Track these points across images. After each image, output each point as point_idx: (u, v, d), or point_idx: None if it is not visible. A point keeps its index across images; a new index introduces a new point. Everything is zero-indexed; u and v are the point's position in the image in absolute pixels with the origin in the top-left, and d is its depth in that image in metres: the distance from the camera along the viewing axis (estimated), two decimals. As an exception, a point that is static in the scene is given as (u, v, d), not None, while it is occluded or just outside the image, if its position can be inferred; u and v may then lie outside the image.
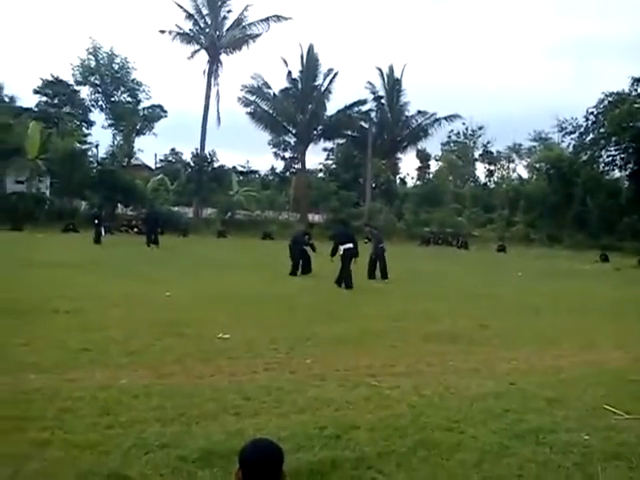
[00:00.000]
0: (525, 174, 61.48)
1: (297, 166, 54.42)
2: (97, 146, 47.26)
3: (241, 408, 5.45)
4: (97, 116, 49.33)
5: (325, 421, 5.14)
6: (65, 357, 7.06)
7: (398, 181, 59.93)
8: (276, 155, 58.35)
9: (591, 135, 42.42)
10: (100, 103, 48.38)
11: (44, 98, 48.50)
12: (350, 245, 15.75)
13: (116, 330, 8.65)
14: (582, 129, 43.49)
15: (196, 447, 4.46)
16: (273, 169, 60.80)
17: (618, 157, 42.16)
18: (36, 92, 48.44)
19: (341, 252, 15.71)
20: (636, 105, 39.50)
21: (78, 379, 6.18)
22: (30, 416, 4.98)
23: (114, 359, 7.11)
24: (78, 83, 48.01)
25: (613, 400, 6.08)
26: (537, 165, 53.66)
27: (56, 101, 48.22)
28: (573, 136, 45.11)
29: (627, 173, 42.89)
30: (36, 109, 46.69)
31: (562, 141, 49.99)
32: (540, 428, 5.13)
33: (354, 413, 5.42)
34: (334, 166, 56.12)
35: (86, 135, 47.62)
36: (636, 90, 40.22)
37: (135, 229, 35.60)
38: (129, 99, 49.24)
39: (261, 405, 5.56)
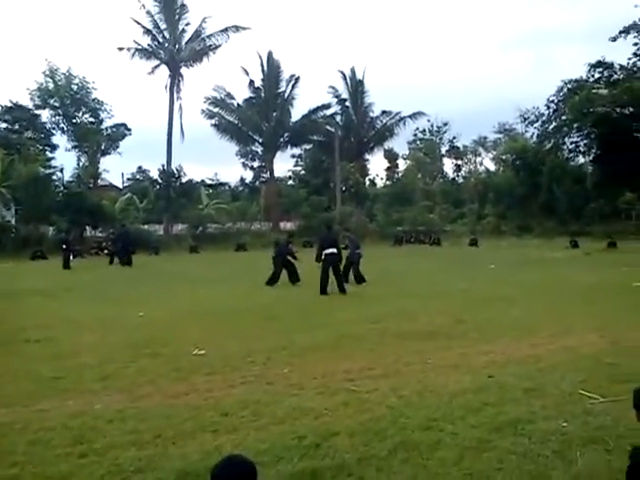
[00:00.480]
0: (492, 166, 62.40)
1: (266, 175, 54.32)
2: (62, 170, 46.66)
3: (218, 425, 5.35)
4: (59, 139, 48.62)
5: (304, 430, 5.08)
6: (36, 387, 6.88)
7: (368, 183, 60.28)
8: (244, 165, 58.26)
9: (553, 123, 43.11)
10: (62, 125, 47.66)
11: (4, 125, 47.66)
12: (333, 250, 15.61)
13: (89, 355, 8.48)
14: (544, 118, 44.18)
15: (173, 469, 4.37)
16: (242, 180, 60.71)
17: (581, 143, 42.88)
18: (-4, 119, 47.61)
19: (323, 257, 15.57)
20: (594, 91, 40.26)
21: (50, 409, 6.02)
22: (-1, 451, 4.83)
23: (87, 385, 6.96)
24: (37, 107, 47.27)
25: (590, 385, 6.13)
26: (503, 157, 54.44)
27: (17, 127, 47.40)
28: (536, 125, 45.85)
29: (591, 158, 43.61)
30: (-3, 136, 45.84)
31: (526, 131, 50.95)
32: (518, 419, 5.15)
33: (333, 420, 5.37)
34: (303, 172, 56.22)
35: (50, 159, 46.88)
36: (593, 76, 41.00)
37: (105, 251, 35.11)
38: (91, 119, 48.60)
39: (239, 420, 5.48)
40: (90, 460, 4.65)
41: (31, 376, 7.39)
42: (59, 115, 47.27)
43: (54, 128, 48.26)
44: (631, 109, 38.06)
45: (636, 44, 39.48)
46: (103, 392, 6.64)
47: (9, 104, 47.19)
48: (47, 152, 47.47)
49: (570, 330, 9.51)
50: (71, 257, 26.40)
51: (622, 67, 40.46)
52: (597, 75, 40.96)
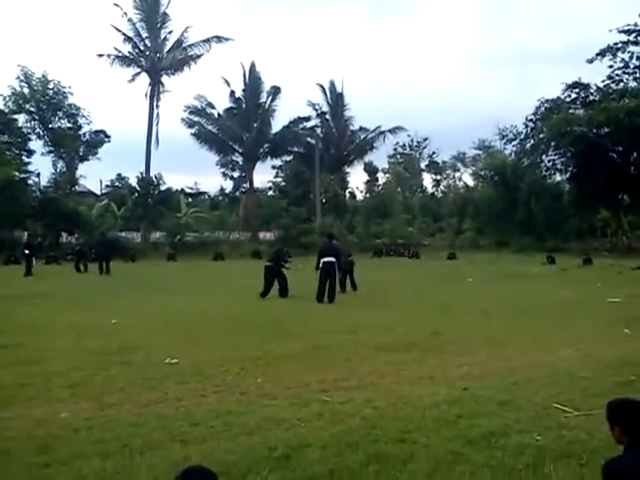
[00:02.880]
0: (471, 182, 62.91)
1: (246, 185, 54.18)
2: (38, 174, 45.96)
3: (188, 435, 5.23)
4: (36, 144, 47.93)
5: (275, 441, 4.98)
6: (0, 395, 6.67)
7: (347, 195, 60.41)
8: (224, 175, 57.95)
9: (531, 141, 43.74)
10: (37, 130, 47.01)
11: (-21, 128, 46.87)
12: (331, 259, 15.65)
13: (58, 362, 8.28)
14: (522, 136, 44.86)
15: (139, 480, 4.24)
16: (222, 189, 60.42)
17: (558, 161, 43.57)
18: (-29, 123, 46.80)
19: (320, 265, 15.66)
20: (571, 111, 40.97)
21: (14, 417, 5.84)
22: (-43, 461, 4.65)
23: (54, 393, 6.77)
24: (13, 112, 46.58)
25: (564, 398, 6.12)
26: (482, 172, 54.96)
27: (-8, 131, 46.64)
28: (514, 143, 46.52)
29: (567, 176, 44.32)
30: (-29, 140, 45.06)
31: (505, 148, 51.49)
32: (492, 432, 5.11)
33: (305, 431, 5.28)
34: (283, 183, 56.10)
35: (26, 164, 46.13)
36: (570, 96, 41.76)
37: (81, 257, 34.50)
38: (69, 125, 48.02)
39: (209, 430, 5.36)
40: (53, 470, 4.52)
41: (-5, 383, 7.18)
42: (35, 120, 46.62)
43: (30, 133, 47.58)
44: (607, 129, 38.80)
45: (611, 66, 40.46)
46: (70, 400, 6.47)
47: (-16, 108, 46.48)
48: (23, 157, 46.74)
49: (545, 344, 9.53)
50: (33, 262, 25.14)
51: (598, 88, 41.31)
52: (573, 95, 41.77)
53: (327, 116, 53.99)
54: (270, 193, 56.32)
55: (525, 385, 6.80)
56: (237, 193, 58.03)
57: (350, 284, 17.72)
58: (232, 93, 50.36)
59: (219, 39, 47.27)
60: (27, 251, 25.28)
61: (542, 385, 6.74)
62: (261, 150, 51.54)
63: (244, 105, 50.28)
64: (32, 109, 46.35)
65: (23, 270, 24.76)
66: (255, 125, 49.66)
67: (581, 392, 6.41)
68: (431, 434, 5.11)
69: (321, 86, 53.50)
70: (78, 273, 26.39)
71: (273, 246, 19.25)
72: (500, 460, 4.51)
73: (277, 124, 51.28)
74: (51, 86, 46.34)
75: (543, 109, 42.40)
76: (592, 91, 41.61)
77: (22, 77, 45.99)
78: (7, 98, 46.39)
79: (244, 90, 50.39)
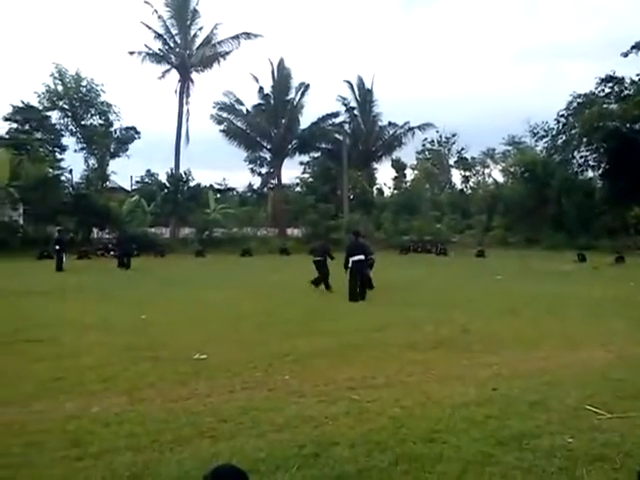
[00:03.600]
0: (501, 178, 62.13)
1: (274, 181, 54.33)
2: (70, 171, 46.74)
3: (217, 431, 5.27)
4: (69, 140, 48.75)
5: (304, 439, 4.99)
6: (35, 388, 6.82)
7: (375, 191, 60.15)
8: (253, 171, 58.20)
9: (563, 137, 43.00)
10: (70, 127, 47.81)
11: (15, 125, 47.83)
12: (360, 257, 15.58)
13: (90, 357, 8.42)
14: (554, 132, 44.10)
15: (168, 475, 4.30)
16: (250, 185, 60.63)
17: (591, 157, 42.75)
18: (6, 119, 47.76)
19: (350, 264, 15.57)
20: (605, 106, 40.15)
21: (48, 410, 5.95)
22: (-7, 453, 4.76)
23: (86, 387, 6.89)
24: (47, 109, 47.46)
25: (597, 400, 6.01)
26: (512, 169, 54.24)
27: (27, 127, 47.55)
28: (546, 139, 45.78)
29: (600, 173, 43.47)
30: (7, 136, 45.99)
31: (536, 145, 50.72)
32: (523, 433, 5.04)
33: (334, 429, 5.27)
34: (311, 179, 56.11)
35: (59, 160, 46.96)
36: (603, 90, 40.91)
37: (112, 252, 35.06)
38: (100, 122, 48.75)
39: (238, 426, 5.39)
40: (85, 464, 4.58)
41: (30, 376, 7.34)
42: (68, 117, 47.44)
43: (63, 129, 48.42)
44: (641, 124, 37.97)
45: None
46: (102, 394, 6.57)
47: (20, 105, 47.44)
48: (56, 153, 47.61)
49: (576, 344, 9.38)
50: (64, 259, 25.45)
51: (633, 82, 40.36)
52: (607, 90, 40.90)
53: (355, 112, 53.76)
54: (298, 189, 56.40)
55: (556, 385, 6.69)
56: (265, 189, 58.24)
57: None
58: (261, 89, 50.50)
59: (248, 35, 47.42)
60: (57, 247, 25.62)
61: (573, 386, 6.63)
62: (289, 146, 51.59)
63: (272, 101, 50.36)
64: (65, 106, 47.20)
65: (54, 265, 25.21)
66: (283, 121, 49.74)
67: (614, 394, 6.29)
68: (460, 434, 5.06)
69: (349, 83, 53.30)
70: (120, 268, 26.60)
71: (317, 242, 19.37)
72: (531, 462, 4.45)
73: (305, 120, 51.32)
74: (84, 83, 47.11)
75: (576, 104, 41.63)
76: (626, 85, 40.67)
77: (56, 74, 46.84)
78: (41, 95, 47.31)
79: (273, 86, 50.46)
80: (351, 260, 15.56)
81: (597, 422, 5.36)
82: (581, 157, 42.99)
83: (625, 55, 39.81)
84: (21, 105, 47.20)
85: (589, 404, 5.87)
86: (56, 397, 6.46)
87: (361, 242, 16.65)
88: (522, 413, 5.66)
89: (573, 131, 41.64)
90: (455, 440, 4.92)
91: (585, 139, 40.89)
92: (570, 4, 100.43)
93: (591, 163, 43.18)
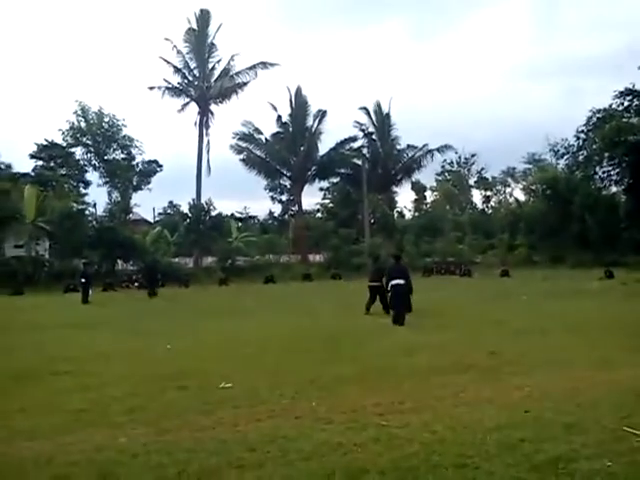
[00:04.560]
0: (522, 197, 61.70)
1: (294, 208, 54.62)
2: (94, 205, 47.65)
3: (244, 460, 5.18)
4: (92, 175, 49.77)
5: (333, 467, 4.88)
6: (62, 420, 6.82)
7: (396, 214, 60.11)
8: (273, 199, 58.76)
9: (584, 153, 42.62)
10: (94, 162, 48.81)
11: (40, 162, 48.99)
12: (400, 281, 15.30)
13: (116, 388, 8.42)
14: (574, 148, 43.76)
15: (196, 506, 4.21)
16: (271, 213, 61.14)
17: (613, 172, 42.26)
18: (32, 157, 49.00)
19: (388, 288, 15.45)
20: (625, 120, 39.81)
21: (75, 442, 5.93)
22: (21, 487, 4.74)
23: (113, 418, 6.87)
24: (71, 145, 48.54)
25: (634, 421, 5.80)
26: (533, 187, 53.83)
27: (52, 164, 48.69)
28: (566, 156, 45.42)
29: (623, 187, 42.90)
30: (33, 173, 47.11)
31: (557, 163, 50.35)
32: (559, 457, 4.86)
33: (363, 456, 5.16)
34: (331, 205, 56.33)
35: (83, 195, 47.96)
36: (622, 104, 40.60)
37: (136, 283, 35.39)
38: (122, 156, 49.69)
39: (265, 455, 5.30)
40: (113, 496, 4.53)
41: (57, 408, 7.35)
42: (91, 152, 48.47)
43: (87, 165, 49.45)
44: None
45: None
46: (129, 425, 6.54)
47: (45, 142, 48.61)
48: (80, 188, 48.59)
49: (608, 364, 9.13)
50: (90, 292, 25.72)
51: (652, 95, 40.01)
52: (626, 103, 40.57)
53: (374, 136, 54.04)
54: (318, 215, 56.65)
55: (590, 407, 6.49)
56: (286, 216, 58.65)
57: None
58: (279, 118, 51.15)
59: (265, 65, 48.22)
60: (83, 279, 25.99)
61: (609, 407, 6.42)
62: (308, 173, 51.98)
63: (291, 129, 50.92)
64: (88, 142, 48.30)
65: (80, 298, 25.40)
66: (302, 148, 50.19)
67: (651, 414, 6.08)
68: (493, 459, 4.91)
69: (365, 109, 53.69)
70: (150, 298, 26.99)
71: (373, 265, 19.15)
72: (569, 487, 4.30)
73: (324, 146, 51.78)
74: (106, 119, 48.19)
75: (595, 119, 41.34)
76: (646, 98, 40.34)
77: (79, 111, 48.00)
78: (65, 132, 48.47)
79: (290, 114, 51.08)
80: (391, 284, 15.39)
81: (637, 444, 5.17)
82: (603, 172, 42.55)
83: (644, 68, 39.55)
84: (45, 143, 48.39)
85: (627, 425, 5.67)
86: (83, 429, 6.44)
87: (402, 266, 16.54)
88: (557, 436, 5.48)
89: (594, 146, 41.27)
90: (488, 465, 4.78)
91: (607, 154, 40.47)
92: (586, 20, 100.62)
93: (614, 178, 42.67)
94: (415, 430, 5.87)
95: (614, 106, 40.75)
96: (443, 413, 6.51)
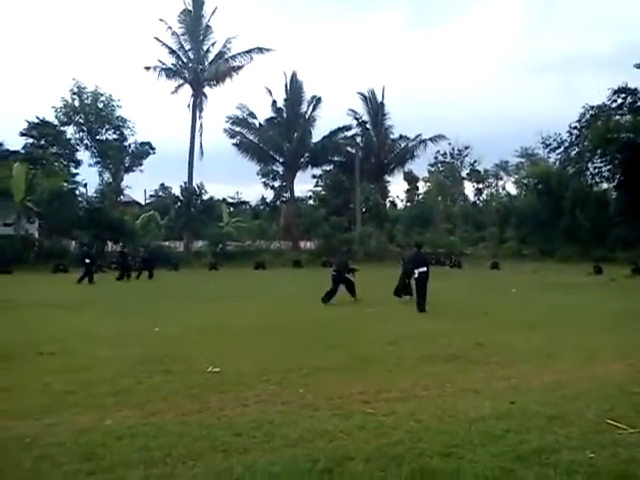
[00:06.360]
0: (514, 190, 61.88)
1: (286, 195, 54.47)
2: (85, 185, 47.27)
3: (230, 445, 5.18)
4: (83, 155, 49.31)
5: (318, 454, 4.89)
6: (47, 401, 6.78)
7: (388, 204, 60.12)
8: (265, 185, 58.46)
9: (576, 149, 42.77)
10: (85, 142, 48.36)
11: (30, 140, 48.44)
12: (424, 269, 15.81)
13: (102, 369, 8.39)
14: (567, 144, 43.90)
15: (181, 490, 4.21)
16: (263, 199, 60.91)
17: (605, 169, 42.47)
18: (22, 134, 48.40)
19: (416, 275, 15.85)
20: (617, 117, 39.94)
21: (60, 423, 5.90)
22: (4, 467, 4.71)
23: (99, 400, 6.84)
24: (63, 124, 48.02)
25: (617, 414, 5.86)
26: (525, 181, 54.00)
27: (42, 142, 48.15)
28: (559, 151, 45.55)
29: (614, 184, 43.15)
30: (23, 151, 46.59)
31: (548, 157, 50.50)
32: (542, 448, 4.90)
33: (348, 443, 5.17)
34: (323, 192, 56.21)
35: (74, 175, 47.50)
36: (615, 101, 40.72)
37: (113, 266, 35.20)
38: (115, 136, 49.25)
39: (251, 440, 5.30)
40: (98, 478, 4.51)
41: (42, 389, 7.31)
42: (83, 131, 48.01)
43: (78, 144, 48.97)
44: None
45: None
46: (115, 407, 6.52)
47: (36, 120, 48.06)
48: (71, 167, 48.14)
49: (594, 357, 9.21)
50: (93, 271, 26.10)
51: (646, 93, 40.14)
52: (620, 101, 40.69)
53: (367, 125, 53.86)
54: (310, 202, 56.54)
55: (575, 399, 6.55)
56: (278, 202, 58.43)
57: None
58: (274, 103, 50.84)
59: (260, 50, 47.84)
60: (88, 260, 26.30)
61: (592, 400, 6.48)
62: (302, 159, 51.78)
63: (285, 115, 50.64)
64: (81, 121, 47.77)
65: (77, 277, 25.68)
66: (296, 135, 49.96)
67: (635, 408, 6.13)
68: (478, 449, 4.94)
69: (362, 95, 53.42)
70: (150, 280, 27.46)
71: (336, 255, 19.75)
72: (552, 478, 4.32)
73: (318, 133, 51.57)
74: (102, 99, 47.67)
75: (588, 116, 41.46)
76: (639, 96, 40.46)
77: (75, 90, 47.46)
78: (58, 110, 47.91)
79: (285, 100, 50.76)
80: (417, 272, 15.76)
81: (619, 437, 5.22)
82: (595, 169, 42.83)
83: (638, 67, 39.63)
84: (37, 121, 47.83)
85: (609, 418, 5.72)
86: (68, 410, 6.41)
87: (423, 254, 16.87)
88: (541, 427, 5.52)
89: (586, 143, 41.42)
90: (472, 455, 4.81)
91: (599, 151, 40.64)
92: (583, 16, 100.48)
93: (605, 175, 42.93)
94: (401, 418, 5.90)
95: (608, 104, 40.86)
96: (429, 402, 6.54)
